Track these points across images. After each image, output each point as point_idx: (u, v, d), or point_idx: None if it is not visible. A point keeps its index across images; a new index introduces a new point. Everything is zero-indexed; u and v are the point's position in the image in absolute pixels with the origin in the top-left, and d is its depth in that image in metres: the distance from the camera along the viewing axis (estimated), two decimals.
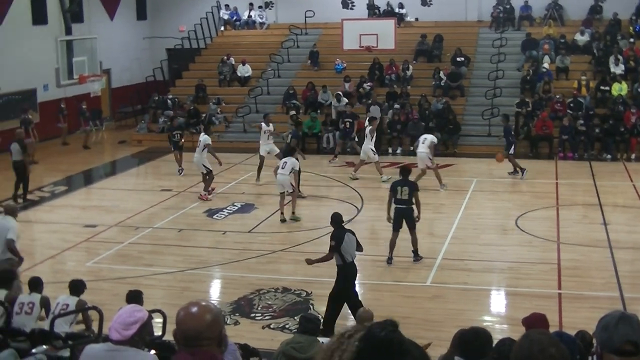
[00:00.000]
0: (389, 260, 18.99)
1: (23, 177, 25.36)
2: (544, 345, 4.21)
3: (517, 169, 27.63)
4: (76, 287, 13.13)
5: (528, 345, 4.24)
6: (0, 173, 27.30)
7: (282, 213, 22.84)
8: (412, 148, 31.90)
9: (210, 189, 25.47)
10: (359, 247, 15.31)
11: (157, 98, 38.42)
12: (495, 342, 8.02)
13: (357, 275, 15.42)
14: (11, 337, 10.55)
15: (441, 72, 36.06)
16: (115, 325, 5.68)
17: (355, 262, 15.14)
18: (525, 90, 34.58)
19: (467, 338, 7.80)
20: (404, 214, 18.94)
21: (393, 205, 18.95)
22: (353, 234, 15.32)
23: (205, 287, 18.19)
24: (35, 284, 13.15)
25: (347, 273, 15.04)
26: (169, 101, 37.60)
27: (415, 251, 19.17)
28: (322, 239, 20.90)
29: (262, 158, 27.22)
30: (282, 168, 22.89)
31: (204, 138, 25.91)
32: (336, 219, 15.59)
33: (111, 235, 21.74)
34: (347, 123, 32.16)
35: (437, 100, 33.94)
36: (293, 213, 22.90)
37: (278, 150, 26.74)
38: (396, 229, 19.01)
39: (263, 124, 27.84)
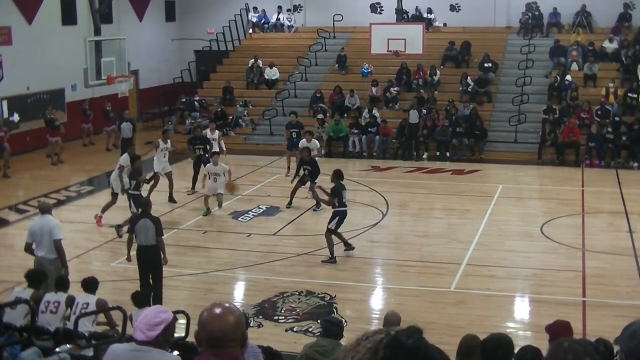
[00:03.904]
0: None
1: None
2: (579, 355, 4.17)
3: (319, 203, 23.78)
4: (90, 284, 13.19)
5: (562, 354, 4.19)
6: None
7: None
8: (437, 153, 32.04)
9: (101, 215, 22.90)
10: (159, 234, 16.06)
11: (184, 100, 38.55)
12: (516, 349, 8.00)
13: (155, 261, 16.14)
14: (35, 335, 10.61)
15: (468, 78, 35.98)
16: (140, 325, 5.70)
17: (148, 246, 15.97)
18: (552, 97, 34.43)
19: (489, 346, 7.77)
20: None
21: None
22: (154, 221, 16.05)
23: (229, 289, 18.22)
24: (62, 283, 13.21)
25: (139, 256, 16.16)
26: (196, 103, 37.71)
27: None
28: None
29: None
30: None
31: (122, 158, 23.49)
32: (141, 203, 16.98)
33: None
34: (294, 133, 29.60)
35: (464, 106, 33.85)
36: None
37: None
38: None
39: (160, 142, 25.92)
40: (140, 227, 15.89)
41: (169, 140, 26.04)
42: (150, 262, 16.04)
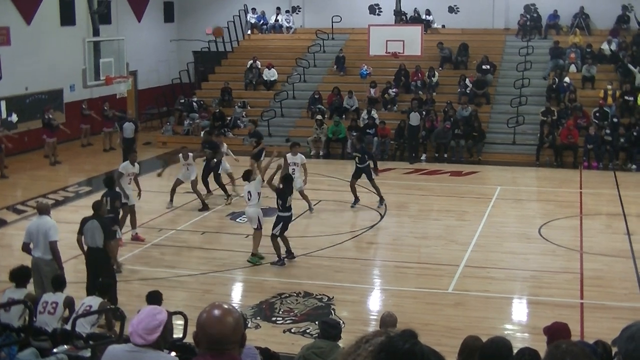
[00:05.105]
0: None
1: (131, 152, 27.69)
2: (577, 357, 4.15)
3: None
4: (105, 288, 13.19)
5: (560, 356, 4.18)
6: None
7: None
8: (436, 155, 32.04)
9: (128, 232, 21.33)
10: (106, 237, 15.99)
11: (182, 100, 38.53)
12: (514, 351, 7.98)
13: (102, 264, 15.87)
14: (33, 336, 10.60)
15: (467, 80, 36.00)
16: (139, 331, 5.69)
17: (95, 249, 15.80)
18: (550, 98, 34.44)
19: (488, 351, 7.75)
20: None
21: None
22: (102, 223, 15.93)
23: (227, 290, 18.22)
24: (59, 283, 13.19)
25: (87, 258, 16.02)
26: (194, 104, 37.72)
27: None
28: (345, 244, 20.98)
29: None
30: (249, 199, 20.06)
31: (122, 165, 22.14)
32: (93, 206, 16.41)
33: None
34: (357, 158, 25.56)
35: (462, 108, 33.86)
36: (254, 254, 19.79)
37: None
38: None
39: (181, 157, 25.33)
40: (88, 229, 15.86)
41: (189, 155, 25.19)
42: (97, 264, 15.85)
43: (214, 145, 25.97)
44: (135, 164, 22.01)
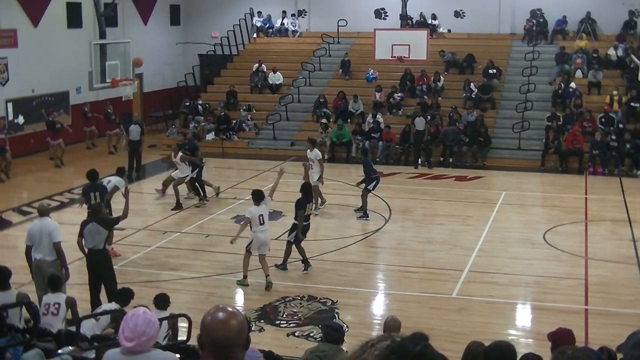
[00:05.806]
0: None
1: (138, 156, 28.83)
2: None
3: (364, 209, 24.31)
4: (124, 296, 13.18)
5: None
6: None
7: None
8: (442, 159, 31.98)
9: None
10: (112, 224, 16.61)
11: (188, 103, 38.56)
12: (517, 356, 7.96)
13: (104, 266, 15.97)
14: (38, 337, 10.61)
15: (472, 84, 35.95)
16: (143, 343, 5.71)
17: (96, 251, 15.79)
18: (556, 104, 34.37)
19: (492, 355, 7.73)
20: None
21: None
22: (102, 222, 15.91)
23: (231, 293, 18.19)
24: (57, 284, 13.18)
25: (88, 261, 15.98)
26: (200, 107, 37.72)
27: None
28: (349, 248, 20.97)
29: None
30: (262, 223, 18.26)
31: (115, 180, 21.47)
32: (91, 209, 16.64)
33: (139, 238, 21.82)
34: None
35: (467, 112, 33.81)
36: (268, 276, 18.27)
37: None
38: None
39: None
40: (88, 231, 15.80)
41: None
42: (99, 266, 15.82)
43: (194, 147, 25.78)
44: None
